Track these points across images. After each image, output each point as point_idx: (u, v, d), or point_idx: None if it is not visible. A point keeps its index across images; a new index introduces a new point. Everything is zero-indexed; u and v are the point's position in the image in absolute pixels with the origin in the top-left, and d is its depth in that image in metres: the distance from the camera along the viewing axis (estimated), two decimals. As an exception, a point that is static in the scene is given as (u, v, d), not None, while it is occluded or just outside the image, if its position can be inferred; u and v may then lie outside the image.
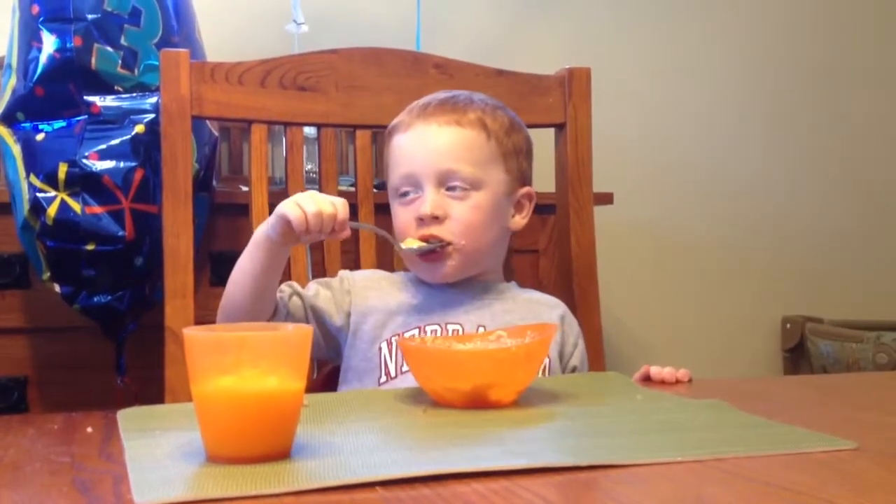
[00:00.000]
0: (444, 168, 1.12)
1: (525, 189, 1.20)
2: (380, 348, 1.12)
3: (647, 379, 1.09)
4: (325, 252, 1.31)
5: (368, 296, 1.15)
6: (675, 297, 2.43)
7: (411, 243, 1.12)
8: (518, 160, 1.18)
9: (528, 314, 1.15)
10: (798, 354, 2.41)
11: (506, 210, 1.18)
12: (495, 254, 1.20)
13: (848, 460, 0.71)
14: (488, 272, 1.20)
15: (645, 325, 2.39)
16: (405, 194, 1.15)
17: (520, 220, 1.20)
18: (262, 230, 1.06)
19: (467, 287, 1.17)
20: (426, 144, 1.14)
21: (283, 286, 1.16)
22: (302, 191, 1.28)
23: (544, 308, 1.20)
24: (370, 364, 1.12)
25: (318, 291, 1.16)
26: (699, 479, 0.67)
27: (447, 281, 1.16)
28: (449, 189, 1.13)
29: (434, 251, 1.12)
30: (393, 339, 1.12)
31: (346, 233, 1.04)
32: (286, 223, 1.02)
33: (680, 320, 2.42)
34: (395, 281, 1.19)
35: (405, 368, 1.09)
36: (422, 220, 1.12)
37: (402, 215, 1.15)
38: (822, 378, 1.58)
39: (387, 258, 1.32)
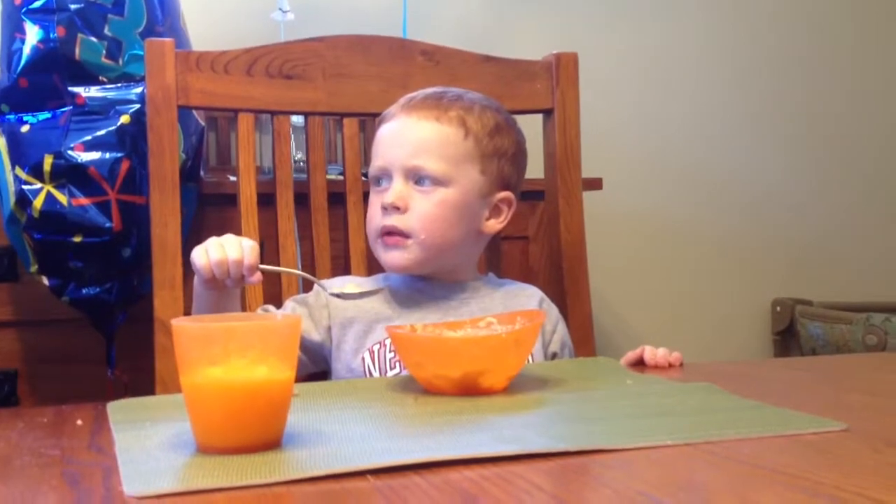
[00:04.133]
0: (412, 163, 1.13)
1: (504, 193, 1.18)
2: (363, 358, 1.12)
3: (640, 362, 1.09)
4: (315, 242, 1.30)
5: (347, 307, 1.14)
6: (664, 281, 2.43)
7: (349, 288, 1.11)
8: (499, 163, 1.17)
9: (506, 309, 1.14)
10: (788, 337, 2.42)
11: (478, 211, 1.16)
12: (464, 253, 1.19)
13: (837, 442, 0.71)
14: (459, 271, 1.19)
15: (635, 309, 2.39)
16: (379, 183, 1.16)
17: (495, 224, 1.18)
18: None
19: (443, 288, 1.17)
20: (401, 137, 1.15)
21: (259, 311, 1.17)
22: (289, 179, 1.28)
23: (522, 299, 1.21)
24: (354, 374, 1.12)
25: (293, 311, 1.16)
26: (690, 462, 0.67)
27: (404, 272, 1.16)
28: (417, 182, 1.13)
29: (365, 293, 1.11)
30: (375, 348, 1.12)
31: (257, 277, 1.02)
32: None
33: (670, 305, 2.43)
34: (372, 287, 1.17)
35: (389, 374, 1.10)
36: (385, 209, 1.13)
37: (372, 203, 1.16)
38: (811, 360, 1.59)
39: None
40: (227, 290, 1.06)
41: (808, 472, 0.63)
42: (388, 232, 1.13)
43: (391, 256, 1.14)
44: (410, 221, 1.12)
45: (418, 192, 1.13)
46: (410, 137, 1.14)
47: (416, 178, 1.13)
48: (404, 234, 1.13)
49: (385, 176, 1.15)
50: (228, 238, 1.03)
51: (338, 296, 1.10)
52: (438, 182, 1.13)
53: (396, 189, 1.13)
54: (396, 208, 1.12)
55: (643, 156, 2.41)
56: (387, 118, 1.18)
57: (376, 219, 1.15)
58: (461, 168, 1.14)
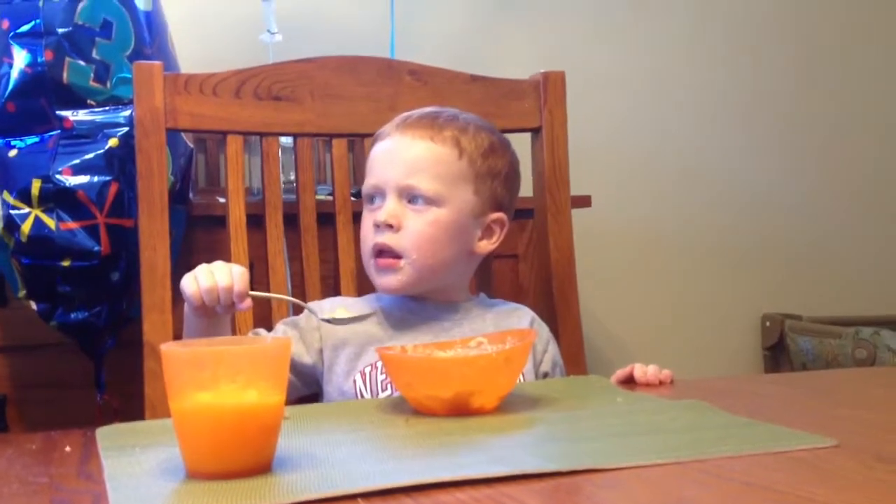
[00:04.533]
0: (406, 182, 1.13)
1: (496, 214, 1.18)
2: (354, 381, 1.12)
3: (630, 380, 1.09)
4: (304, 262, 1.30)
5: (339, 329, 1.14)
6: (655, 297, 2.44)
7: (340, 312, 1.10)
8: (492, 184, 1.17)
9: (497, 330, 1.14)
10: (778, 352, 2.43)
11: (471, 231, 1.16)
12: (456, 273, 1.19)
13: (828, 458, 0.71)
14: (451, 291, 1.19)
15: (626, 326, 2.40)
16: (372, 201, 1.16)
17: (487, 245, 1.18)
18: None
19: (435, 310, 1.17)
20: (395, 156, 1.15)
21: (249, 334, 1.17)
22: (278, 200, 1.29)
23: (513, 319, 1.21)
24: (345, 396, 1.12)
25: (284, 334, 1.15)
26: (680, 480, 0.67)
27: (397, 293, 1.16)
28: (410, 201, 1.13)
29: (356, 318, 1.10)
30: (366, 370, 1.12)
31: (247, 304, 1.02)
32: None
33: (660, 320, 2.43)
34: (364, 309, 1.17)
35: (381, 396, 1.10)
36: (378, 227, 1.13)
37: (365, 221, 1.16)
38: (801, 376, 1.59)
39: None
40: (217, 317, 1.06)
41: (799, 488, 0.63)
42: (380, 251, 1.13)
43: (384, 280, 1.14)
44: (403, 241, 1.12)
45: (411, 211, 1.13)
46: (405, 156, 1.14)
47: (410, 197, 1.13)
48: (396, 254, 1.12)
49: (378, 194, 1.15)
50: (218, 265, 1.03)
51: (329, 321, 1.09)
52: (432, 202, 1.13)
53: (389, 207, 1.13)
54: (389, 226, 1.12)
55: (632, 172, 2.42)
56: (381, 137, 1.18)
57: (369, 237, 1.15)
58: (455, 188, 1.14)
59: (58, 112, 1.46)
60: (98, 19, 1.47)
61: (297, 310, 1.21)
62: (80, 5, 1.46)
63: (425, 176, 1.12)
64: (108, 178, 1.45)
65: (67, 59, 1.45)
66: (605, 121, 2.38)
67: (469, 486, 0.65)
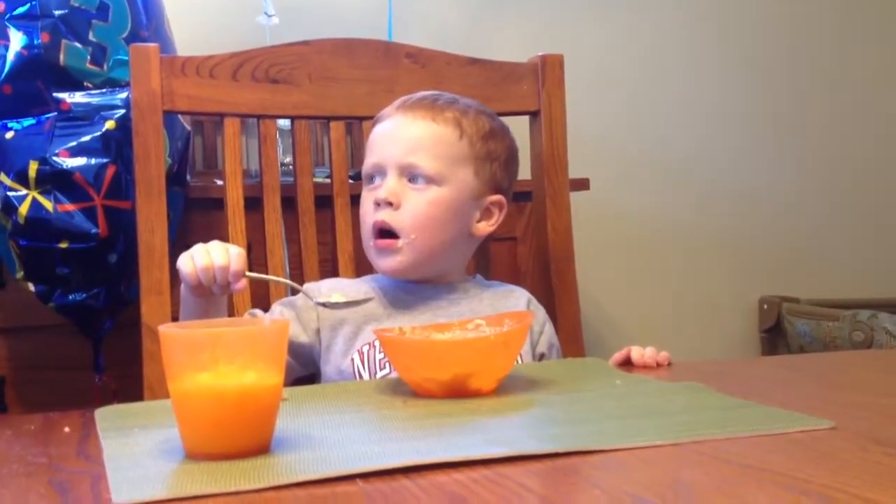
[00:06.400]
0: (407, 160, 1.13)
1: (496, 196, 1.18)
2: (352, 360, 1.12)
3: (627, 362, 1.09)
4: (302, 245, 1.30)
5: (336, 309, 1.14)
6: (652, 280, 2.44)
7: (336, 297, 1.10)
8: (492, 167, 1.17)
9: (494, 310, 1.14)
10: (775, 334, 2.43)
11: (469, 213, 1.16)
12: (455, 256, 1.19)
13: (825, 440, 0.72)
14: (449, 273, 1.19)
15: (623, 309, 2.40)
16: (372, 181, 1.16)
17: (485, 227, 1.18)
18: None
19: (432, 290, 1.17)
20: (396, 135, 1.15)
21: (246, 315, 1.16)
22: (276, 183, 1.28)
23: (510, 300, 1.21)
24: (343, 376, 1.12)
25: (281, 314, 1.15)
26: (677, 462, 0.67)
27: (396, 276, 1.16)
28: (411, 180, 1.13)
29: (352, 302, 1.10)
30: (364, 349, 1.12)
31: (242, 284, 1.02)
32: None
33: (658, 303, 2.44)
34: (361, 290, 1.17)
35: (379, 375, 1.10)
36: (378, 205, 1.13)
37: (365, 201, 1.16)
38: (798, 358, 1.60)
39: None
40: (213, 297, 1.05)
41: (795, 470, 0.64)
42: (379, 231, 1.13)
43: (384, 262, 1.14)
44: (402, 219, 1.12)
45: (412, 190, 1.13)
46: (406, 135, 1.14)
47: (410, 175, 1.13)
48: (394, 234, 1.12)
49: (379, 173, 1.15)
50: (215, 244, 1.03)
51: (324, 305, 1.09)
52: (432, 181, 1.13)
53: (390, 185, 1.12)
54: (389, 204, 1.12)
55: (630, 155, 2.42)
56: (382, 118, 1.18)
57: (369, 215, 1.14)
58: (455, 168, 1.14)
59: (54, 94, 1.46)
60: (94, 1, 1.47)
61: (294, 291, 1.21)
62: (76, -13, 1.45)
63: (426, 155, 1.12)
64: (105, 160, 1.44)
65: (64, 42, 1.45)
66: (603, 104, 2.37)
67: (466, 467, 0.65)
